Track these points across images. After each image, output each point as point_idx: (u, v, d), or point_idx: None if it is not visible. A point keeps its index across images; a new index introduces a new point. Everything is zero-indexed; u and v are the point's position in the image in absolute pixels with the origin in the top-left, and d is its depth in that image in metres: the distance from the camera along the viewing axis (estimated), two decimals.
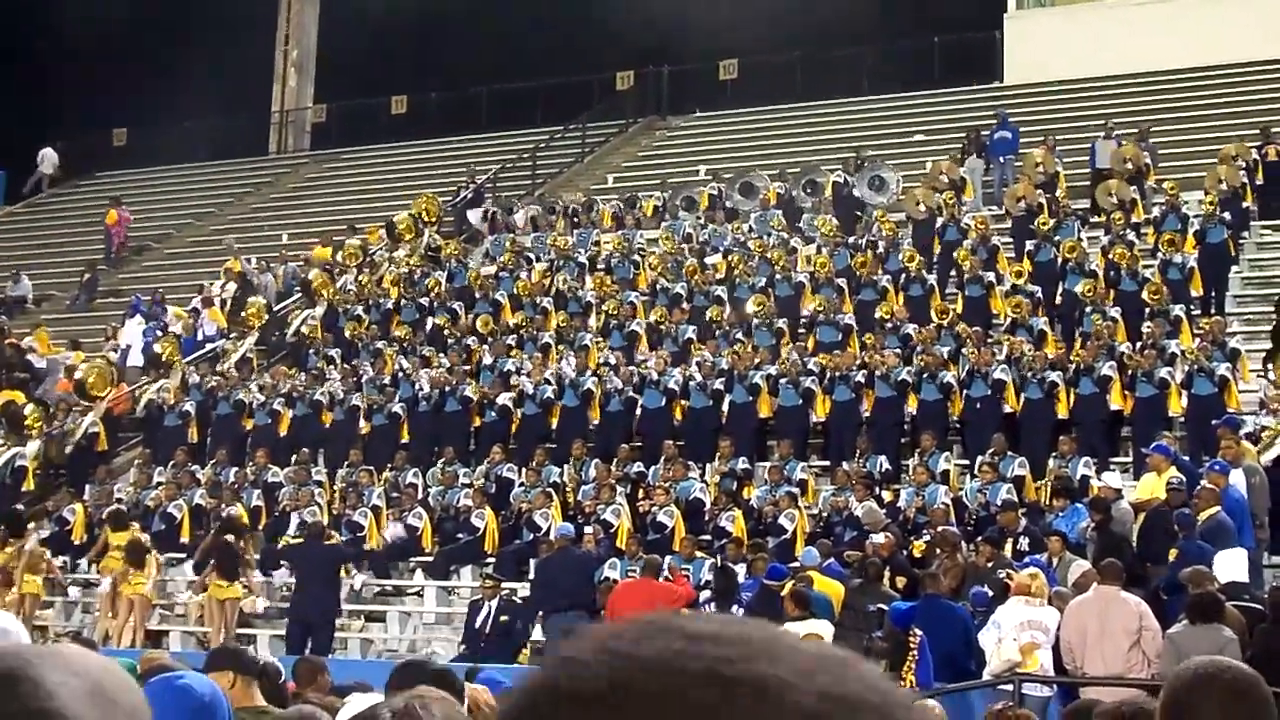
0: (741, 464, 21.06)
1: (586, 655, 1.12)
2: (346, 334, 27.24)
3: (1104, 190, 25.88)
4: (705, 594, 17.26)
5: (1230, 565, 14.79)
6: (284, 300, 30.09)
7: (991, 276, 23.94)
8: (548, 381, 23.29)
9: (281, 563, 21.34)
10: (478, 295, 27.24)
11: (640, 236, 28.54)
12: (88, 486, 24.76)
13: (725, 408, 22.18)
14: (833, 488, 20.06)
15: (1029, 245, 24.61)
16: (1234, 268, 24.22)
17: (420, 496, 22.13)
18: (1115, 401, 20.35)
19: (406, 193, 34.75)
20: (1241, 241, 24.73)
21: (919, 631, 13.70)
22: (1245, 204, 25.18)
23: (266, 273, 31.36)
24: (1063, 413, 20.41)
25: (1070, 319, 22.76)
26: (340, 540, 20.55)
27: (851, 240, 26.21)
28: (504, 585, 18.96)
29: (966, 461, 20.66)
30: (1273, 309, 21.87)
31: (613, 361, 23.50)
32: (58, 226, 42.21)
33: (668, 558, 18.59)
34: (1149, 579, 15.80)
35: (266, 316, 28.84)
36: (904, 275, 24.42)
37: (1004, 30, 37.38)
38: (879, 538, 17.20)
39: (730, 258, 26.23)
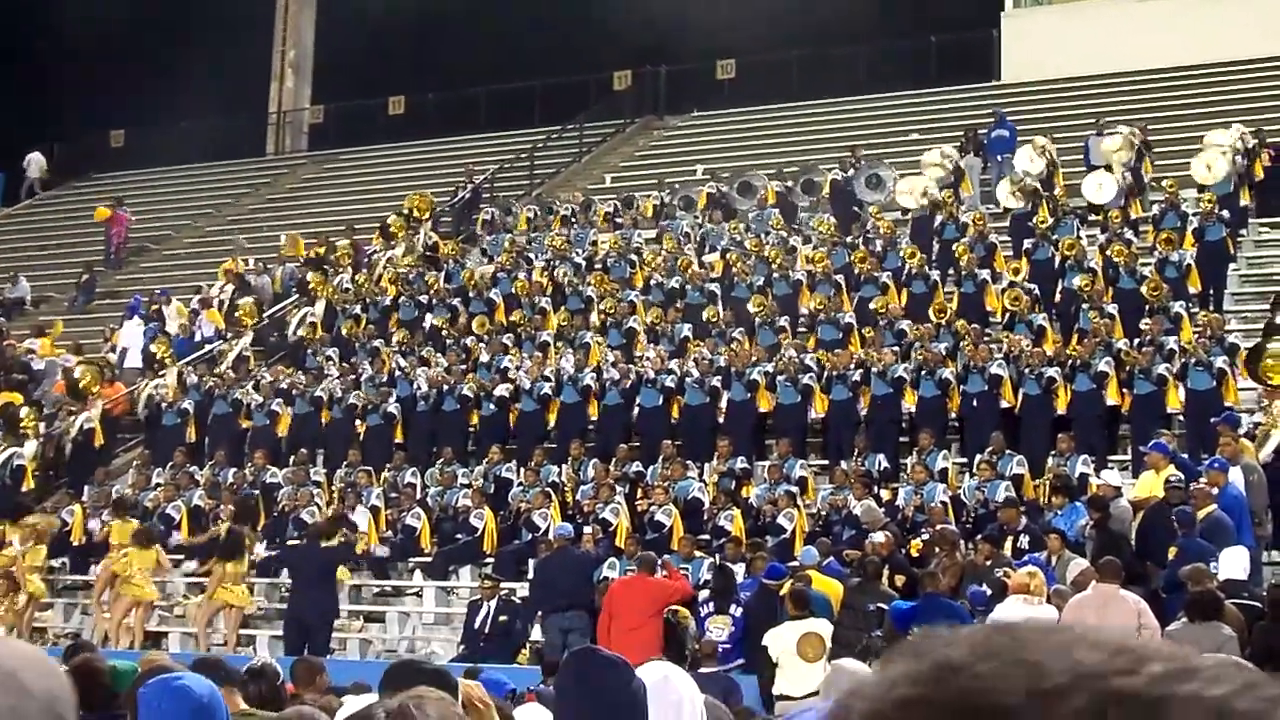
0: (740, 463, 21.06)
1: (981, 662, 1.02)
2: (343, 333, 27.25)
3: (1108, 151, 25.93)
4: (704, 594, 17.24)
5: (1231, 563, 14.80)
6: (282, 301, 30.07)
7: (986, 274, 23.94)
8: (545, 378, 23.30)
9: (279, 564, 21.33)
10: (472, 295, 27.23)
11: (638, 236, 28.54)
12: (86, 488, 24.76)
13: (723, 405, 22.18)
14: (831, 486, 20.06)
15: (1026, 244, 24.61)
16: (1232, 265, 24.22)
17: (419, 496, 22.13)
18: (1112, 397, 20.35)
19: (404, 193, 34.72)
20: (1239, 239, 24.73)
21: (918, 630, 13.69)
22: (1242, 202, 25.18)
23: (264, 274, 31.36)
24: (1062, 408, 20.41)
25: (1069, 316, 22.76)
26: (349, 537, 20.49)
27: (850, 239, 26.21)
28: (503, 585, 18.96)
29: (965, 459, 20.67)
30: (1269, 307, 21.87)
31: (611, 359, 23.49)
32: (56, 228, 42.20)
33: (666, 556, 18.59)
34: (1148, 577, 15.81)
35: (259, 316, 28.83)
36: (907, 272, 24.44)
37: (1001, 29, 37.40)
38: (879, 537, 17.19)
39: (728, 256, 26.23)
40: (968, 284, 23.73)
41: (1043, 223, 24.55)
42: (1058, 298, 23.22)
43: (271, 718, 5.08)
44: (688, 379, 22.34)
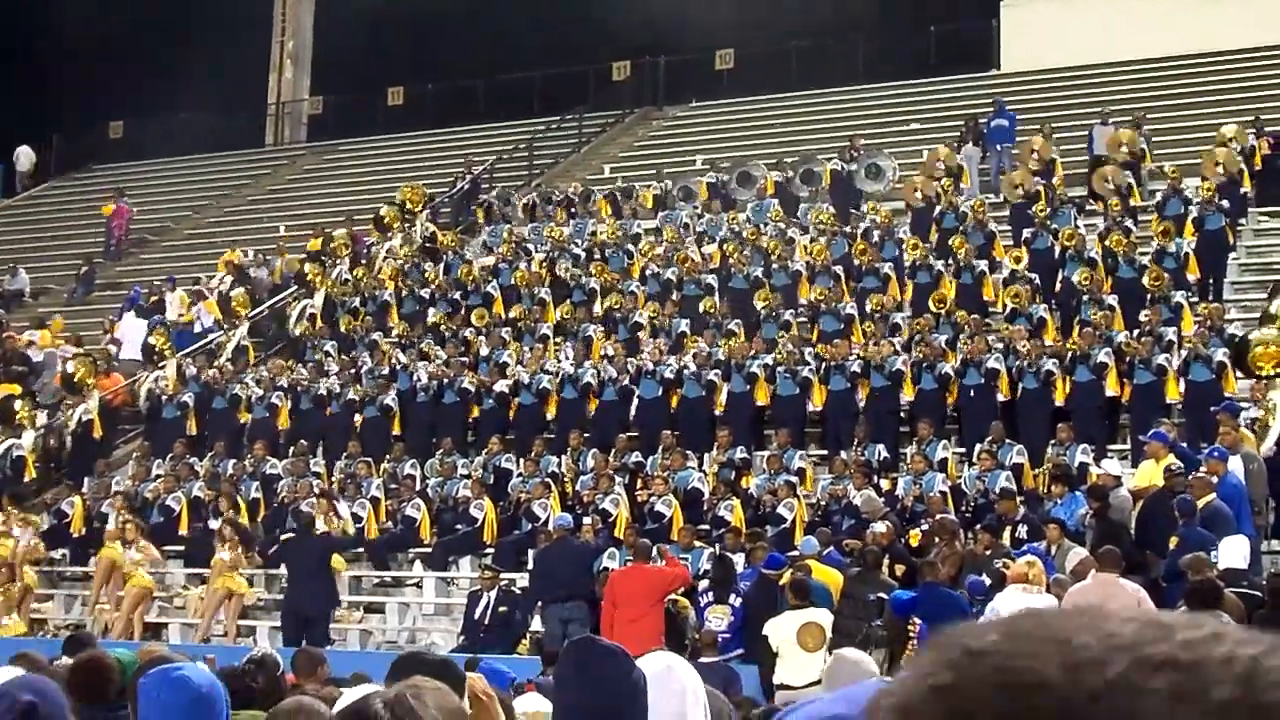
0: (740, 453, 21.07)
1: (1012, 642, 1.02)
2: (341, 327, 27.24)
3: (1100, 176, 25.88)
4: (703, 583, 17.25)
5: (1232, 552, 14.80)
6: (281, 293, 30.05)
7: (984, 265, 23.93)
8: (545, 372, 23.30)
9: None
10: (469, 288, 27.22)
11: (637, 226, 28.53)
12: (86, 479, 24.76)
13: (722, 397, 22.18)
14: (830, 476, 20.07)
15: (1026, 233, 24.60)
16: (1231, 254, 24.21)
17: (419, 487, 22.13)
18: (1112, 388, 20.35)
19: (403, 184, 34.73)
20: (1239, 228, 24.71)
21: (918, 620, 13.71)
22: (1243, 190, 25.15)
23: (263, 266, 31.35)
24: (1060, 400, 20.42)
25: (1069, 307, 22.75)
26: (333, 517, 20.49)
27: (849, 229, 26.20)
28: (503, 576, 18.96)
29: (963, 450, 20.67)
30: (1267, 296, 21.85)
31: (611, 353, 23.49)
32: (55, 220, 42.17)
33: (665, 546, 18.60)
34: (1148, 566, 15.81)
35: (253, 307, 28.80)
36: (911, 263, 24.44)
37: (1000, 19, 37.39)
38: (880, 527, 17.19)
39: (725, 247, 26.22)
40: (965, 275, 23.72)
41: (1042, 211, 24.53)
42: (1057, 288, 23.20)
43: (278, 707, 5.07)
44: (685, 371, 22.34)
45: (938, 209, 25.96)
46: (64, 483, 24.81)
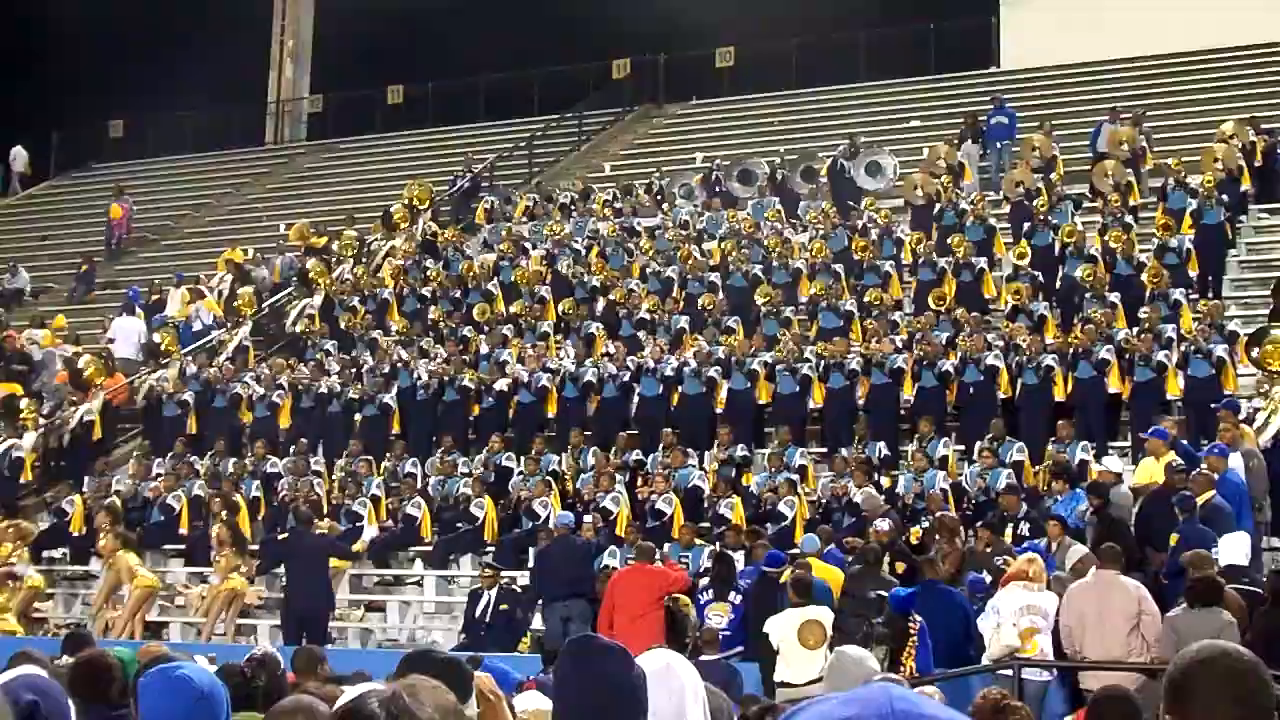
0: (740, 451, 21.07)
1: None
2: (341, 325, 27.24)
3: (1100, 172, 25.88)
4: (703, 581, 17.25)
5: (1232, 549, 14.80)
6: (280, 291, 30.05)
7: (984, 262, 23.92)
8: (546, 370, 23.30)
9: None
10: (470, 285, 27.23)
11: (637, 224, 28.53)
12: (86, 478, 24.76)
13: (723, 395, 22.18)
14: (831, 474, 20.07)
15: (1025, 227, 24.59)
16: (1231, 251, 24.20)
17: (419, 486, 22.13)
18: (1114, 385, 20.35)
19: (403, 182, 34.69)
20: (1239, 225, 24.70)
21: (918, 617, 13.72)
22: (1243, 187, 25.13)
23: (263, 265, 31.35)
24: (1060, 396, 20.42)
25: (1070, 304, 22.75)
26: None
27: (848, 225, 26.19)
28: (503, 574, 18.97)
29: (964, 447, 20.68)
30: (1270, 293, 21.85)
31: (613, 351, 23.49)
32: (55, 218, 42.17)
33: (666, 545, 18.61)
34: (1148, 563, 15.81)
35: (257, 306, 28.81)
36: (915, 260, 24.43)
37: (1000, 16, 37.38)
38: (883, 524, 17.19)
39: (724, 244, 26.23)
40: (965, 273, 23.72)
41: (1042, 207, 24.53)
42: (1058, 284, 23.20)
43: (278, 705, 5.07)
44: (686, 368, 22.34)
45: (938, 206, 25.96)
46: (64, 482, 24.80)
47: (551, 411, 23.24)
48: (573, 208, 30.24)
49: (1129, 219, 24.08)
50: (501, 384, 23.39)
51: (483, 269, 27.52)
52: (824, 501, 19.50)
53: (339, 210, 34.16)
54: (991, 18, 37.55)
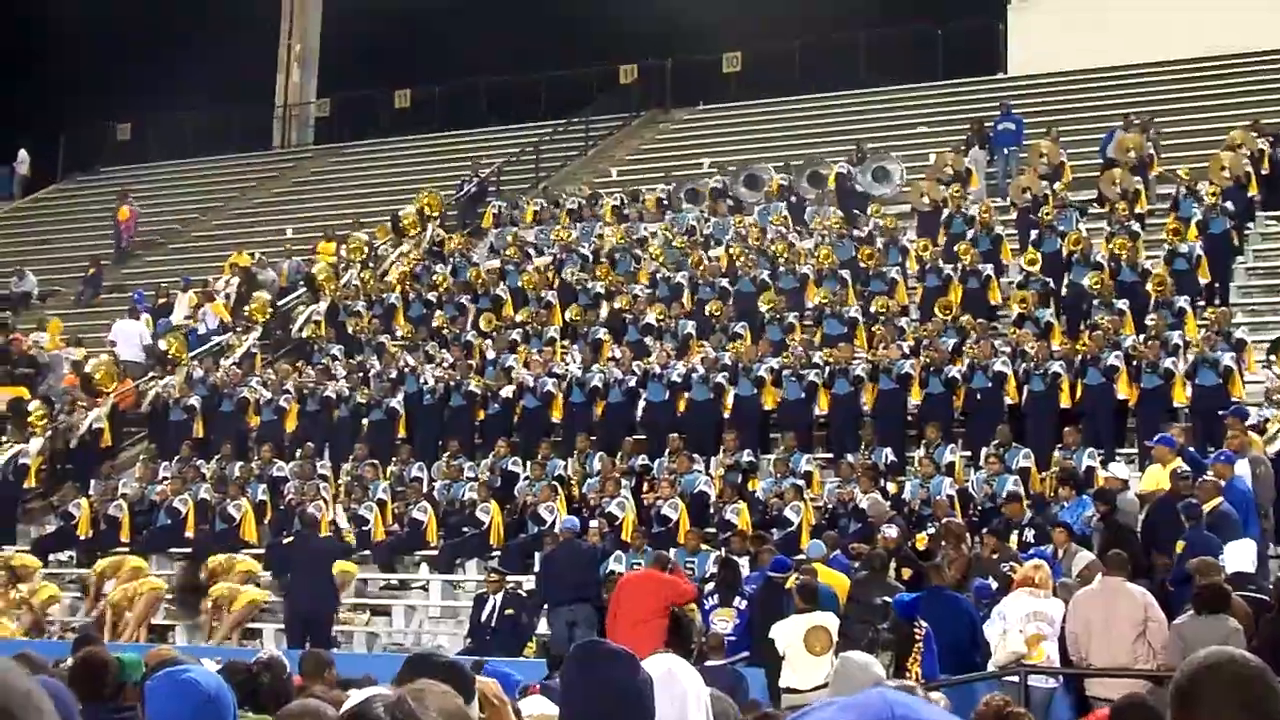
0: (747, 457, 21.06)
1: None
2: (348, 329, 27.26)
3: (1108, 179, 25.86)
4: (709, 586, 17.24)
5: (1239, 556, 14.79)
6: (287, 295, 30.09)
7: (990, 269, 23.91)
8: (552, 375, 23.30)
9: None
10: (479, 291, 27.24)
11: (643, 229, 28.54)
12: (93, 482, 24.78)
13: (729, 400, 22.18)
14: (837, 480, 20.06)
15: (1032, 235, 24.59)
16: (1239, 258, 24.18)
17: (425, 490, 22.14)
18: (1123, 391, 20.33)
19: (410, 187, 34.80)
20: (1246, 232, 24.67)
21: (924, 623, 13.70)
22: (1250, 194, 25.11)
23: (268, 268, 31.38)
24: (1066, 403, 20.40)
25: (1077, 311, 22.73)
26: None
27: (855, 232, 26.20)
28: (509, 579, 18.95)
29: (970, 454, 20.66)
30: (1279, 300, 21.84)
31: (619, 355, 23.51)
32: (62, 222, 42.23)
33: (672, 550, 18.60)
34: (1155, 570, 15.79)
35: (270, 312, 28.83)
36: (922, 266, 24.42)
37: (1007, 22, 37.39)
38: (891, 530, 17.17)
39: (732, 250, 26.23)
40: (971, 280, 23.72)
41: (1048, 215, 24.52)
42: (1064, 292, 23.19)
43: (285, 709, 5.08)
44: (694, 374, 22.34)
45: (946, 213, 25.96)
46: (70, 484, 24.83)
47: (557, 417, 23.24)
48: (580, 213, 30.25)
49: (1135, 226, 24.05)
50: (507, 390, 23.40)
51: (490, 274, 27.53)
52: (830, 507, 19.48)
53: (346, 215, 34.19)
54: (998, 24, 37.56)
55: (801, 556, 17.16)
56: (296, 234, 34.84)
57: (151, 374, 27.47)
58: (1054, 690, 13.67)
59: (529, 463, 21.91)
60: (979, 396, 20.86)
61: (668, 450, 21.38)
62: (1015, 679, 13.11)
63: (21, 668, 2.05)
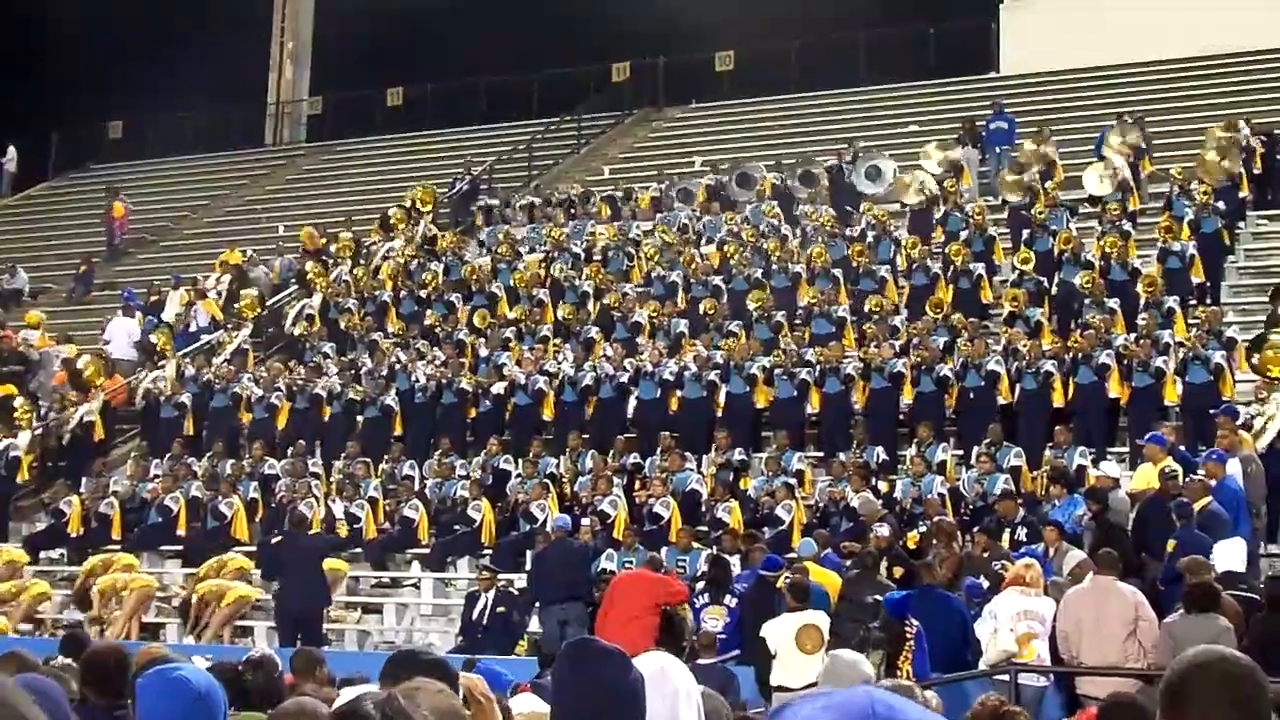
0: (738, 455, 21.07)
1: None
2: (341, 325, 27.23)
3: (1094, 171, 25.86)
4: (699, 584, 17.25)
5: (1228, 555, 14.81)
6: (280, 293, 30.05)
7: (981, 269, 23.91)
8: (544, 373, 23.30)
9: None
10: (474, 289, 27.23)
11: (636, 228, 28.53)
12: (84, 479, 24.76)
13: (721, 399, 22.18)
14: (829, 479, 20.07)
15: (1024, 234, 24.60)
16: (1230, 257, 24.20)
17: (417, 488, 22.12)
18: (1114, 390, 20.35)
19: (403, 184, 34.75)
20: (1238, 231, 24.70)
21: (915, 622, 13.71)
22: (1242, 194, 25.13)
23: (260, 265, 31.33)
24: (1058, 402, 20.42)
25: (1068, 309, 22.76)
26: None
27: (848, 231, 26.21)
28: (501, 577, 18.95)
29: (961, 452, 20.67)
30: (1268, 299, 21.86)
31: (610, 353, 23.51)
32: (54, 219, 42.16)
33: (664, 549, 18.61)
34: (1146, 569, 15.81)
35: (260, 309, 28.79)
36: (908, 265, 24.42)
37: (1000, 21, 37.39)
38: (883, 529, 17.18)
39: (725, 249, 26.23)
40: (963, 280, 23.73)
41: (1040, 214, 24.52)
42: (1054, 290, 23.20)
43: (279, 708, 5.08)
44: (686, 372, 22.35)
45: (941, 209, 25.97)
46: (62, 482, 24.81)
47: (549, 414, 23.24)
48: (572, 211, 30.24)
49: (1127, 225, 24.07)
50: (498, 386, 23.39)
51: (483, 272, 27.51)
52: (821, 506, 19.49)
53: (338, 212, 34.16)
54: (991, 23, 37.56)
55: (793, 555, 17.17)
56: (289, 231, 34.78)
57: (140, 369, 27.44)
58: (1045, 689, 13.69)
59: (521, 461, 21.92)
60: (972, 395, 20.87)
61: (659, 448, 21.39)
62: (1006, 677, 13.12)
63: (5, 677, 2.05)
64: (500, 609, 18.41)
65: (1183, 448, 18.04)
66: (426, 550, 21.35)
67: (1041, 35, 35.29)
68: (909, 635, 13.49)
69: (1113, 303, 21.84)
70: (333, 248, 30.04)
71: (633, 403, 22.80)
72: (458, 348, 24.99)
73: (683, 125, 38.33)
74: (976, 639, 14.04)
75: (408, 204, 30.93)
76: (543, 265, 27.65)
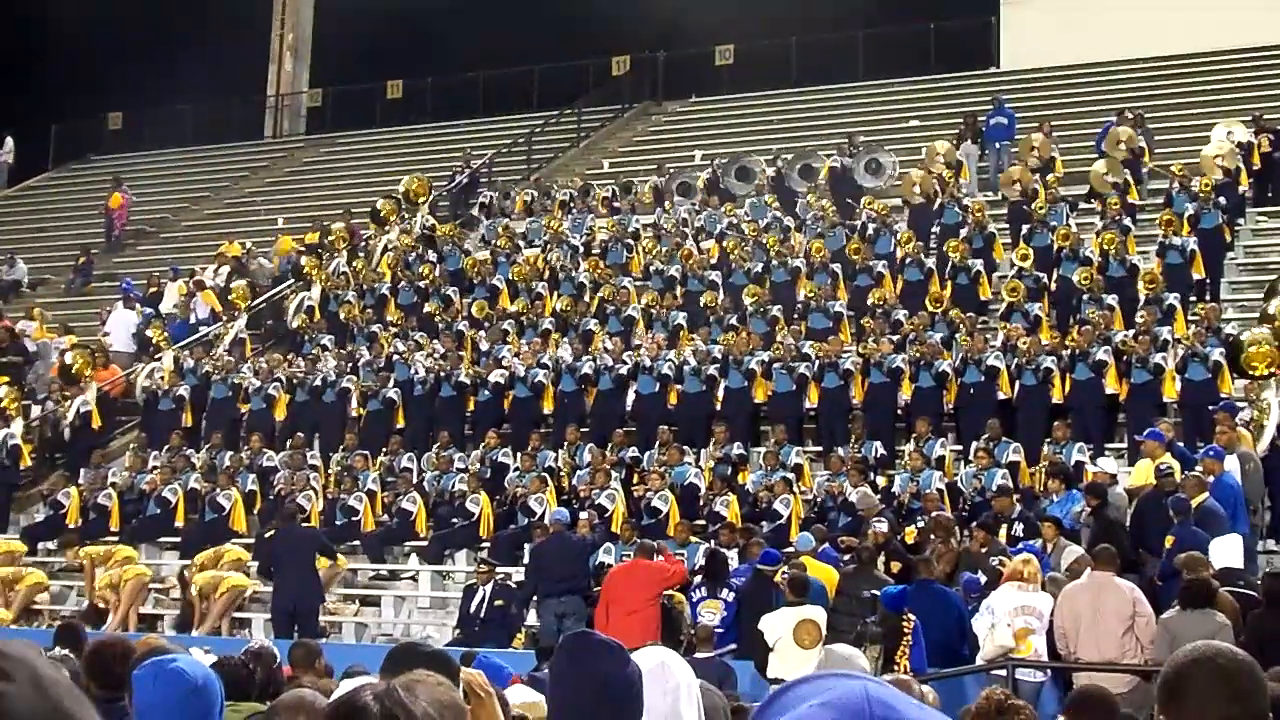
0: (737, 449, 21.07)
1: None
2: (341, 317, 27.21)
3: (1097, 174, 25.86)
4: (696, 578, 17.25)
5: (1225, 551, 14.81)
6: (279, 285, 30.02)
7: (980, 265, 23.90)
8: (543, 366, 23.29)
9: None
10: (475, 280, 27.22)
11: (635, 221, 28.52)
12: (82, 471, 24.75)
13: (720, 393, 22.18)
14: (827, 473, 20.07)
15: (1023, 230, 24.59)
16: (1229, 254, 24.20)
17: (415, 481, 22.12)
18: (1111, 386, 20.34)
19: (401, 177, 34.70)
20: (1237, 228, 24.69)
21: (913, 616, 13.72)
22: (1241, 190, 25.13)
23: (259, 258, 31.32)
24: (1058, 398, 20.42)
25: (1066, 305, 22.75)
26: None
27: (848, 223, 26.19)
28: (498, 570, 18.94)
29: (960, 447, 20.67)
30: (1263, 296, 21.83)
31: (609, 346, 23.50)
32: (53, 210, 42.14)
33: (664, 543, 18.60)
34: (1143, 565, 15.82)
35: (251, 299, 28.74)
36: (905, 259, 24.41)
37: (1000, 16, 37.39)
38: (881, 525, 17.18)
39: (725, 243, 26.23)
40: (961, 276, 23.72)
41: (1040, 208, 24.51)
42: (1053, 286, 23.19)
43: (279, 700, 5.08)
44: (686, 366, 22.34)
45: (939, 202, 25.96)
46: (60, 473, 24.80)
47: (548, 408, 23.24)
48: (572, 204, 30.22)
49: (1126, 221, 24.06)
50: (496, 374, 23.36)
51: (483, 264, 27.50)
52: (819, 500, 19.49)
53: (337, 205, 34.12)
54: (991, 18, 37.55)
55: (791, 549, 17.18)
56: (288, 224, 34.77)
57: (138, 361, 27.44)
58: (1042, 684, 13.70)
59: (519, 454, 21.91)
60: (972, 391, 20.87)
61: (658, 442, 21.39)
62: (1003, 673, 13.13)
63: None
64: (498, 602, 18.40)
65: (1181, 444, 18.04)
66: (424, 543, 21.35)
67: (1042, 31, 35.29)
68: (906, 630, 13.51)
69: (1111, 299, 21.83)
70: (327, 240, 29.93)
71: (631, 396, 22.79)
72: (457, 340, 24.98)
73: (682, 120, 38.32)
74: (973, 634, 14.05)
75: (402, 193, 30.77)
76: (542, 258, 27.63)
